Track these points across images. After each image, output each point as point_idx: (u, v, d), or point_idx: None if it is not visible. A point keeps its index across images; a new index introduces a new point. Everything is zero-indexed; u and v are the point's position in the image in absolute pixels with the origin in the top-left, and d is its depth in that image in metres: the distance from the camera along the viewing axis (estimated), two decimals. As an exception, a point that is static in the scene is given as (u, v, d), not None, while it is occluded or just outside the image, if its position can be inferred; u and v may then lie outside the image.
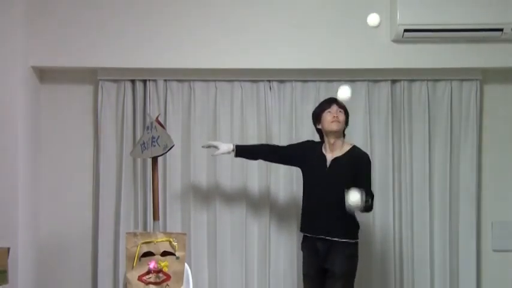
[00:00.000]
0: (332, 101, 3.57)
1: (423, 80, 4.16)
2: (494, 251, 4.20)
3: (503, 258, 4.18)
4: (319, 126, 3.60)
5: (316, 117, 3.61)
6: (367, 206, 3.34)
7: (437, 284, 4.10)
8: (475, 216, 4.12)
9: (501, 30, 3.83)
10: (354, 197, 3.21)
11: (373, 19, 3.39)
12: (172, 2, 3.96)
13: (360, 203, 3.21)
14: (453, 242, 4.11)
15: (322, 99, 3.89)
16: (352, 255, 3.47)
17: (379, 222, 4.10)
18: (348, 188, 3.26)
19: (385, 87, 4.15)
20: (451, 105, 4.15)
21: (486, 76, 4.18)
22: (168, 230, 3.88)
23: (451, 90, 4.15)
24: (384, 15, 3.94)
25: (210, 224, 4.09)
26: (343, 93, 3.44)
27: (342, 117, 3.52)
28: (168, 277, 3.04)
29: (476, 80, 4.15)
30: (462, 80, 4.16)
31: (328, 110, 3.53)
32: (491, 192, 4.21)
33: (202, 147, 3.84)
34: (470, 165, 4.13)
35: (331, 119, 3.51)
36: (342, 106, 3.55)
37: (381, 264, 4.10)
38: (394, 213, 4.11)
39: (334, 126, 3.50)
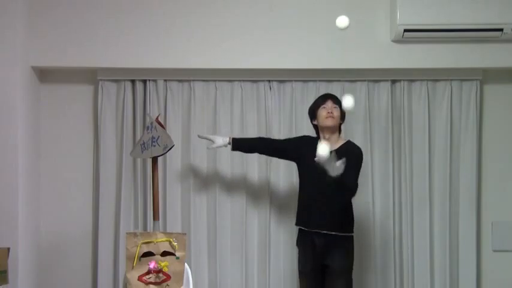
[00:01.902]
0: (327, 97, 3.60)
1: (423, 80, 4.16)
2: (494, 251, 4.19)
3: (503, 258, 4.17)
4: (315, 122, 3.62)
5: (312, 113, 3.63)
6: (348, 185, 3.30)
7: (437, 285, 4.10)
8: (475, 216, 4.12)
9: (501, 30, 3.83)
10: (322, 148, 3.12)
11: (341, 21, 3.33)
12: (172, 2, 3.96)
13: (327, 154, 3.10)
14: (453, 242, 4.11)
15: (321, 99, 3.92)
16: (350, 249, 3.51)
17: (379, 222, 4.10)
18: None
19: (385, 87, 4.15)
20: (451, 105, 4.15)
21: (486, 76, 4.18)
22: (168, 230, 3.88)
23: (451, 90, 4.15)
24: (384, 15, 3.95)
25: (210, 224, 4.09)
26: (347, 102, 3.31)
27: (336, 113, 3.54)
28: (168, 277, 3.05)
29: (476, 80, 4.15)
30: (462, 80, 4.16)
31: (323, 105, 3.56)
32: (491, 192, 4.21)
33: (199, 136, 3.85)
34: (470, 165, 4.13)
35: (325, 114, 3.53)
36: (337, 102, 3.57)
37: (381, 265, 4.09)
38: (394, 214, 4.11)
39: (329, 122, 3.52)
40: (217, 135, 3.83)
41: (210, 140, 3.77)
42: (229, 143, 3.74)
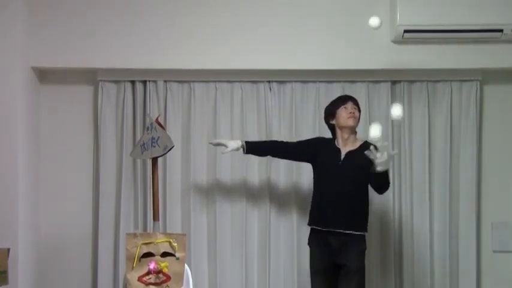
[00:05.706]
0: (348, 98, 3.66)
1: (423, 81, 4.16)
2: (494, 251, 4.20)
3: (503, 259, 4.18)
4: (333, 122, 3.65)
5: (331, 113, 3.66)
6: (386, 182, 3.49)
7: (437, 285, 4.10)
8: (475, 217, 4.12)
9: (501, 31, 3.83)
10: (374, 130, 3.32)
11: (373, 21, 3.50)
12: (172, 2, 3.96)
13: (380, 136, 3.32)
14: (453, 243, 4.11)
15: (322, 100, 3.97)
16: (364, 249, 3.56)
17: (379, 223, 4.11)
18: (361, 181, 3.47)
19: (385, 88, 4.15)
20: (451, 106, 4.15)
21: (486, 77, 4.18)
22: (168, 231, 3.88)
23: (451, 91, 4.16)
24: (384, 16, 3.95)
25: (210, 224, 4.09)
26: (396, 111, 3.62)
27: (357, 113, 3.61)
28: (168, 278, 3.05)
29: (476, 80, 4.15)
30: (462, 81, 4.16)
31: (344, 106, 3.61)
32: (491, 192, 4.21)
33: (210, 143, 3.84)
34: (470, 165, 4.13)
35: (347, 115, 3.58)
36: (356, 103, 3.64)
37: (381, 265, 4.10)
38: (394, 214, 4.11)
39: (351, 122, 3.57)
40: (229, 140, 3.82)
41: (223, 145, 3.75)
42: (241, 147, 3.74)
